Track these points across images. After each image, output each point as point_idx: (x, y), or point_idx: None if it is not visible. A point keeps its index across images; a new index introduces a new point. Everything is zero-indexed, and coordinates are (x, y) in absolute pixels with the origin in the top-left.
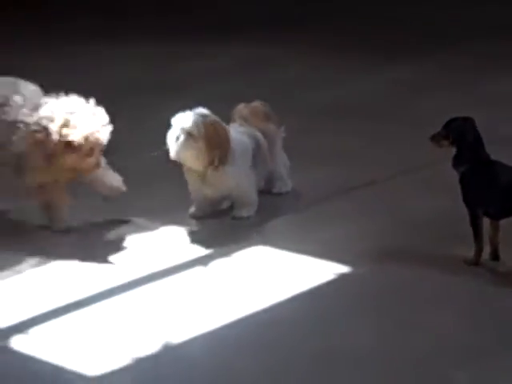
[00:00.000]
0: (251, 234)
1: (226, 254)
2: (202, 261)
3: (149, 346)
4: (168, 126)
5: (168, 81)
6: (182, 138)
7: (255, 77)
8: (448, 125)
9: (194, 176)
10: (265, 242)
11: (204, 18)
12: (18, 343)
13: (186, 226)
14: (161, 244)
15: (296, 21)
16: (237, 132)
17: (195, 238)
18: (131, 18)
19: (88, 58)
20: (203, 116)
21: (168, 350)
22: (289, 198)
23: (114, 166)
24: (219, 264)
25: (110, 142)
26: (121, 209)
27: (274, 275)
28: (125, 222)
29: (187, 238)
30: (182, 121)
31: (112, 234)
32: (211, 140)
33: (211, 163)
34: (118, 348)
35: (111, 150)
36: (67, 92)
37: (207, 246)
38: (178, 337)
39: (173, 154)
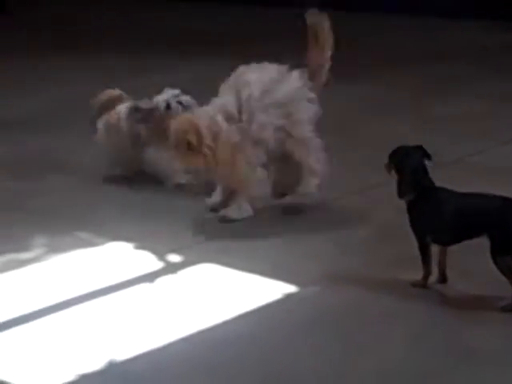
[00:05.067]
0: (200, 251)
1: (173, 271)
2: (149, 278)
3: (95, 362)
4: None
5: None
6: None
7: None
8: (391, 155)
9: None
10: (212, 260)
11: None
12: None
13: (131, 242)
14: (106, 260)
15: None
16: None
17: (142, 254)
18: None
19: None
20: None
21: (114, 367)
22: None
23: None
24: (166, 281)
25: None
26: (66, 223)
27: (220, 293)
28: (70, 236)
29: (133, 254)
30: None
31: (57, 249)
32: None
33: None
34: (63, 364)
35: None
36: None
37: (154, 263)
38: (124, 353)
39: None
